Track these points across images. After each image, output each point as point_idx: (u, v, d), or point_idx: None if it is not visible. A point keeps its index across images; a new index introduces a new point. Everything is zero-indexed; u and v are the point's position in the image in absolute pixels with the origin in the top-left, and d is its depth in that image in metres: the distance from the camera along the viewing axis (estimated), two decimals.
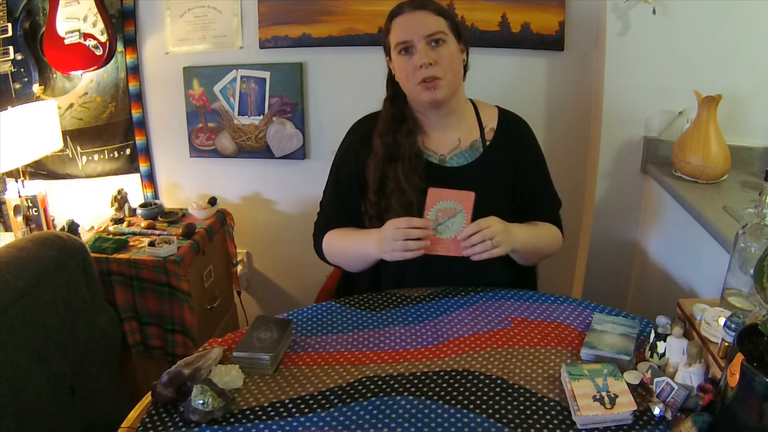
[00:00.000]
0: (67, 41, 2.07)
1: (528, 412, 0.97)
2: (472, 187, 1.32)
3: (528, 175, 1.43)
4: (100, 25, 2.06)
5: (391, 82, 1.40)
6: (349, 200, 1.42)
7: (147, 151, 2.35)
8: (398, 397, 1.01)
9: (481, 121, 1.43)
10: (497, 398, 1.00)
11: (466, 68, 1.38)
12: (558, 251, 1.48)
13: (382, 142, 1.35)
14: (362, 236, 1.36)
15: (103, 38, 2.07)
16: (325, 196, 1.50)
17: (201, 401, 0.96)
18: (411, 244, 1.21)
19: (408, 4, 1.32)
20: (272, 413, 0.99)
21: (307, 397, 1.03)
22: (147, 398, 1.05)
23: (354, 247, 1.39)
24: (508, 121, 1.45)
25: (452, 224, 1.23)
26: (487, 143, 1.41)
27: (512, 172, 1.41)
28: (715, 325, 1.01)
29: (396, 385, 1.05)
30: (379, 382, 1.06)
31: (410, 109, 1.39)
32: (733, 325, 0.94)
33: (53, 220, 2.14)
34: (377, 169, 1.34)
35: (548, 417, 0.95)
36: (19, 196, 2.03)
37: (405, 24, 1.30)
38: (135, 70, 2.23)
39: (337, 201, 1.45)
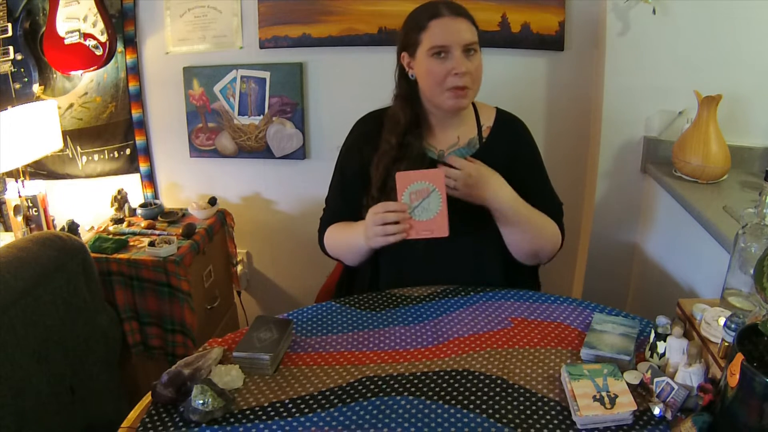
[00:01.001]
0: (67, 41, 2.07)
1: (528, 412, 0.97)
2: None
3: (524, 174, 1.41)
4: (100, 25, 2.06)
5: (403, 79, 1.39)
6: (353, 196, 1.43)
7: (147, 151, 2.35)
8: (398, 397, 1.01)
9: (479, 120, 1.45)
10: (497, 398, 1.00)
11: None
12: (554, 250, 1.43)
13: (394, 142, 1.36)
14: (354, 228, 1.38)
15: (103, 38, 2.07)
16: (331, 192, 1.53)
17: (201, 401, 0.96)
18: (390, 228, 1.23)
19: (447, 8, 1.31)
20: (272, 413, 0.99)
21: (307, 397, 1.03)
22: (147, 398, 1.05)
23: (347, 239, 1.42)
24: (505, 120, 1.47)
25: (428, 204, 1.22)
26: (484, 140, 1.43)
27: (508, 170, 1.39)
28: (715, 325, 1.01)
29: (396, 385, 1.05)
30: (379, 382, 1.06)
31: (423, 109, 1.40)
32: (733, 325, 0.94)
33: (53, 220, 2.14)
34: (384, 167, 1.36)
35: (548, 417, 0.95)
36: (19, 196, 2.03)
37: (446, 28, 1.29)
38: (135, 70, 2.23)
39: (342, 197, 1.48)
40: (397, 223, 1.23)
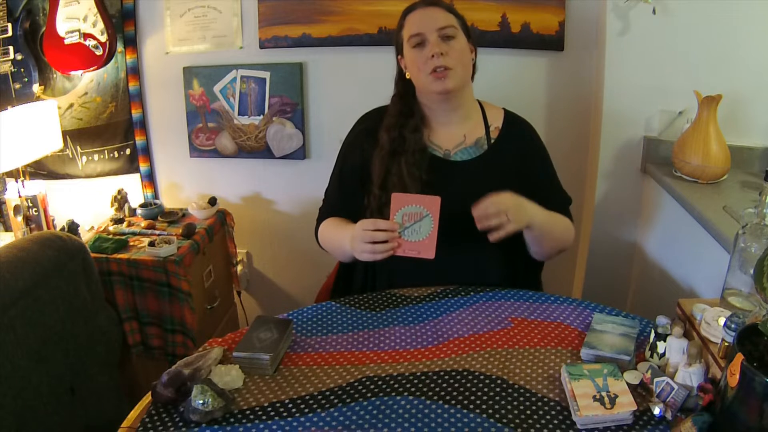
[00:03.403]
0: (67, 41, 2.07)
1: (528, 412, 0.97)
2: (476, 181, 1.35)
3: (534, 175, 1.44)
4: (100, 25, 2.06)
5: (401, 80, 1.43)
6: (352, 190, 1.44)
7: (147, 151, 2.35)
8: (398, 397, 1.01)
9: (486, 120, 1.45)
10: (497, 398, 1.00)
11: (474, 68, 1.42)
12: (570, 245, 1.47)
13: (388, 136, 1.38)
14: (343, 231, 1.38)
15: (103, 38, 2.07)
16: (330, 185, 1.54)
17: (201, 401, 0.96)
18: (378, 247, 1.22)
19: (421, 2, 1.38)
20: (272, 413, 0.99)
21: (307, 397, 1.03)
22: (147, 398, 1.05)
23: (336, 240, 1.42)
24: (514, 122, 1.47)
25: (419, 228, 1.23)
26: (492, 141, 1.43)
27: (517, 171, 1.42)
28: (715, 325, 1.01)
29: (396, 385, 1.05)
30: (379, 382, 1.06)
31: (418, 104, 1.42)
32: (733, 325, 0.94)
33: (53, 220, 2.14)
34: (382, 163, 1.37)
35: (548, 417, 0.95)
36: (19, 196, 2.03)
37: (418, 18, 1.36)
38: (135, 70, 2.23)
39: (339, 190, 1.49)
40: (385, 242, 1.22)
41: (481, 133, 1.43)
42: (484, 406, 0.98)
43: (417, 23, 1.35)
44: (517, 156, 1.43)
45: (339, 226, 1.43)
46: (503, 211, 1.21)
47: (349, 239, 1.30)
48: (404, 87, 1.42)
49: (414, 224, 1.23)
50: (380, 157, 1.37)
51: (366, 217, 1.36)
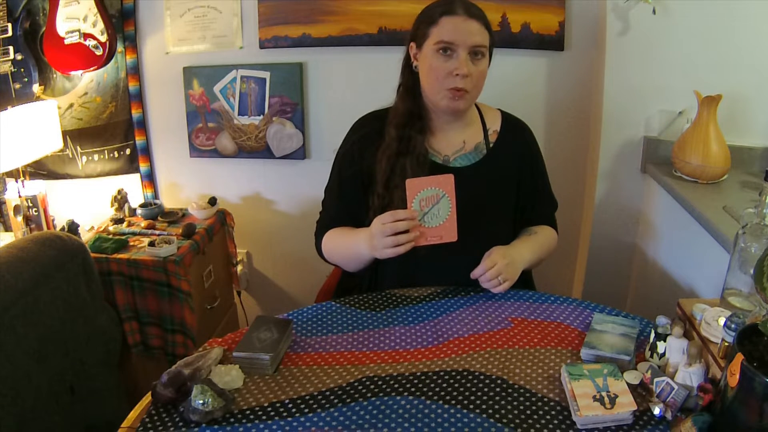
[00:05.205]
0: (67, 41, 2.07)
1: (528, 412, 0.97)
2: (476, 187, 1.35)
3: (529, 178, 1.45)
4: (100, 25, 2.06)
5: (407, 69, 1.38)
6: (352, 199, 1.41)
7: (147, 151, 2.35)
8: (398, 397, 1.01)
9: (485, 124, 1.44)
10: (497, 398, 1.00)
11: None
12: (554, 251, 1.52)
13: (396, 134, 1.34)
14: (355, 235, 1.36)
15: (103, 38, 2.07)
16: (327, 195, 1.50)
17: (201, 401, 0.96)
18: (401, 238, 1.21)
19: (462, 7, 1.28)
20: (272, 413, 0.99)
21: (307, 397, 1.03)
22: (147, 398, 1.05)
23: (348, 246, 1.39)
24: (511, 124, 1.47)
25: (438, 210, 1.22)
26: (491, 145, 1.42)
27: (515, 174, 1.43)
28: (715, 325, 1.01)
29: (396, 385, 1.05)
30: (379, 382, 1.06)
31: (425, 105, 1.39)
32: (733, 325, 0.94)
33: (53, 220, 2.15)
34: (387, 162, 1.34)
35: (548, 417, 0.95)
36: (19, 196, 2.03)
37: (456, 26, 1.27)
38: (135, 70, 2.23)
39: (339, 200, 1.45)
40: (406, 231, 1.21)
41: (480, 138, 1.42)
42: (484, 406, 0.98)
43: (452, 31, 1.26)
44: (515, 160, 1.43)
45: (347, 233, 1.41)
46: (496, 276, 1.28)
47: (365, 240, 1.29)
48: (411, 80, 1.37)
49: (432, 208, 1.22)
50: (387, 156, 1.34)
51: (370, 219, 1.35)
